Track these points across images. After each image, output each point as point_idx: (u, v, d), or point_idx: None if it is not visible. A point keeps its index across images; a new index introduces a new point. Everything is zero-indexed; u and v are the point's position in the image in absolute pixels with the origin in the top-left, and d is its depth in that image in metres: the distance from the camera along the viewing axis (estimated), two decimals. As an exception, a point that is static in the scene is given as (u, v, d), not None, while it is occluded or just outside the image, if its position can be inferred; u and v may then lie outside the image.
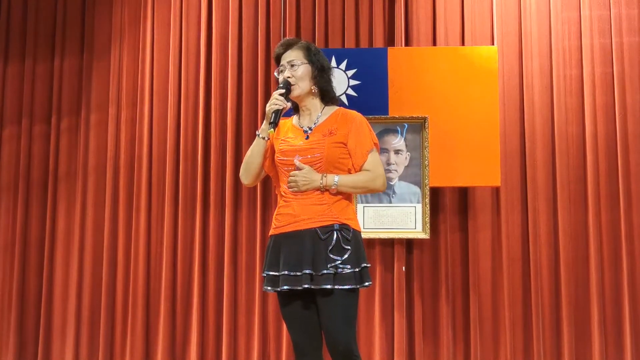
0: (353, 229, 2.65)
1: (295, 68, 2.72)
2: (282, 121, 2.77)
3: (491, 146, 4.23)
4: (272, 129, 2.65)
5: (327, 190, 2.63)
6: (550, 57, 4.49)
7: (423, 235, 4.32)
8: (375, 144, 2.72)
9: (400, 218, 4.33)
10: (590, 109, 4.43)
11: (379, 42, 4.57)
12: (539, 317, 4.32)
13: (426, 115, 4.29)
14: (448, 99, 4.29)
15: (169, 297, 4.57)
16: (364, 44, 4.60)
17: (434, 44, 4.56)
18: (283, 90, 2.67)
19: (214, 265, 4.59)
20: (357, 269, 2.59)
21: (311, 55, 2.75)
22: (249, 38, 4.72)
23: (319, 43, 4.60)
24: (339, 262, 2.56)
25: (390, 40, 4.62)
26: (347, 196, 2.70)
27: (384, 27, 4.60)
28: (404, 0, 4.59)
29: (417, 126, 4.31)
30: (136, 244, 4.66)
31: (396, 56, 4.34)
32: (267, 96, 4.66)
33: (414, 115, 4.30)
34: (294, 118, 2.82)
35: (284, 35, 4.64)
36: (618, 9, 4.49)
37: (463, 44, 4.53)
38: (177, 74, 4.76)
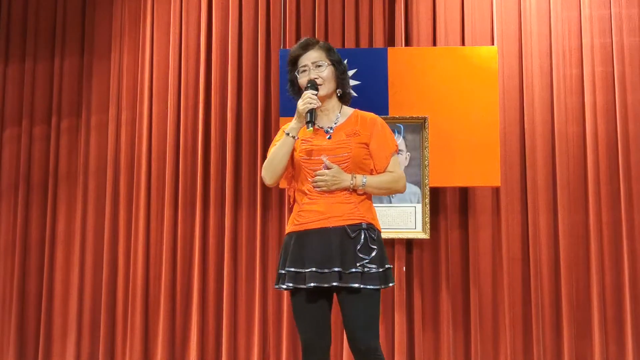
0: (377, 229, 2.68)
1: (322, 69, 2.73)
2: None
3: (491, 146, 4.23)
4: (310, 128, 2.65)
5: (354, 190, 2.65)
6: (550, 57, 4.49)
7: (423, 235, 4.31)
8: (396, 146, 2.77)
9: (400, 218, 4.32)
10: (590, 108, 4.43)
11: (379, 42, 4.57)
12: (539, 317, 4.32)
13: (426, 115, 4.29)
14: (448, 99, 4.29)
15: (168, 297, 4.57)
16: (364, 44, 4.60)
17: (434, 44, 4.55)
18: (316, 91, 2.67)
19: (214, 265, 4.59)
20: (381, 269, 2.60)
21: (332, 55, 2.77)
22: (249, 38, 4.72)
23: (318, 43, 4.60)
24: (367, 261, 2.58)
25: (390, 40, 4.62)
26: (369, 196, 2.73)
27: (384, 27, 4.60)
28: (404, 0, 4.59)
29: (417, 126, 4.31)
30: (136, 244, 4.66)
31: (396, 56, 4.34)
32: (267, 96, 4.66)
33: (414, 116, 4.29)
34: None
35: (284, 35, 4.64)
36: (618, 8, 4.48)
37: (463, 44, 4.53)
38: (177, 74, 4.76)
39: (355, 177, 2.64)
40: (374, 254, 2.59)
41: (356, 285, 2.55)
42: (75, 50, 4.95)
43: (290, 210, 2.81)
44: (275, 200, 4.58)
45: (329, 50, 2.78)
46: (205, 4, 4.77)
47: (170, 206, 4.65)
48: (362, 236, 2.60)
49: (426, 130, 4.28)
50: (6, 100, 4.97)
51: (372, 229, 2.65)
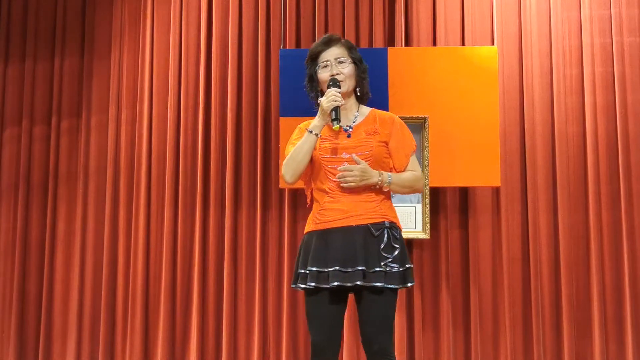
0: (399, 228, 2.68)
1: (345, 65, 2.72)
2: (308, 120, 2.76)
3: (491, 146, 4.23)
4: (337, 125, 2.62)
5: (380, 187, 2.64)
6: (551, 57, 4.49)
7: (423, 235, 4.31)
8: (415, 145, 2.76)
9: (400, 218, 4.27)
10: (590, 108, 4.43)
11: (379, 42, 4.57)
12: (539, 317, 4.32)
13: (426, 115, 4.29)
14: (448, 99, 4.29)
15: (168, 297, 4.57)
16: (364, 44, 4.59)
17: (434, 44, 4.55)
18: (339, 89, 2.66)
19: (214, 265, 4.59)
20: (402, 269, 2.58)
21: (353, 54, 2.76)
22: (249, 38, 4.72)
23: (319, 43, 4.60)
24: (390, 260, 2.56)
25: (390, 40, 4.62)
26: (389, 196, 2.71)
27: (384, 27, 4.60)
28: (404, 0, 4.59)
29: (417, 126, 4.31)
30: (136, 244, 4.66)
31: (396, 56, 4.34)
32: (267, 96, 4.66)
33: (414, 115, 4.29)
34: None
35: (284, 35, 4.64)
36: (618, 8, 4.48)
37: (463, 44, 4.53)
38: (177, 74, 4.76)
39: (382, 174, 2.62)
40: (396, 252, 2.57)
41: (379, 284, 2.52)
42: (75, 50, 4.95)
43: (308, 210, 2.79)
44: (275, 200, 4.58)
45: (350, 48, 2.76)
46: (205, 4, 4.77)
47: (170, 206, 4.65)
48: (386, 235, 2.58)
49: (426, 130, 4.28)
50: (6, 100, 4.97)
51: (394, 227, 2.63)
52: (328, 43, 2.75)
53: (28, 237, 4.83)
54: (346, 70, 2.71)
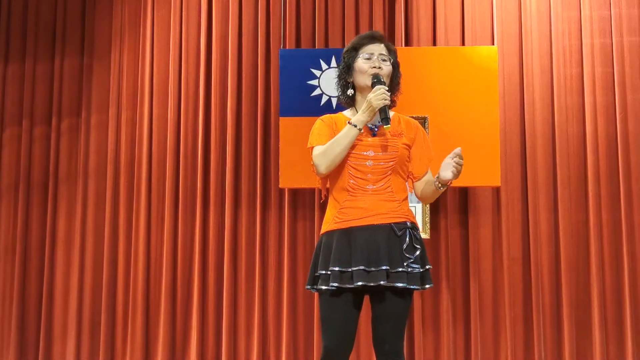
0: (419, 229, 2.66)
1: (387, 63, 2.68)
2: (336, 115, 2.72)
3: (491, 146, 4.23)
4: (387, 125, 2.57)
5: (443, 186, 2.63)
6: (551, 57, 4.49)
7: (423, 235, 4.30)
8: (433, 156, 2.76)
9: (401, 218, 4.32)
10: (590, 108, 4.43)
11: (379, 42, 4.57)
12: (539, 317, 4.32)
13: (426, 115, 4.29)
14: (448, 99, 4.29)
15: (169, 298, 4.57)
16: (364, 44, 4.59)
17: (434, 44, 4.55)
18: (387, 87, 2.62)
19: (214, 265, 4.59)
20: (422, 270, 2.56)
21: (393, 57, 2.73)
22: (249, 38, 4.72)
23: (319, 43, 4.61)
24: (412, 260, 2.53)
25: (390, 40, 4.59)
26: (407, 197, 2.67)
27: (384, 27, 4.60)
28: (404, 0, 4.59)
29: (417, 126, 4.31)
30: (136, 245, 4.66)
31: (396, 56, 4.34)
32: (267, 96, 4.66)
33: (414, 115, 4.28)
34: (348, 113, 2.74)
35: (284, 35, 4.64)
36: (618, 8, 4.48)
37: (463, 44, 4.53)
38: (177, 75, 4.76)
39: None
40: (417, 253, 2.55)
41: (401, 285, 2.49)
42: (75, 50, 4.95)
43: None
44: (275, 200, 4.58)
45: (392, 51, 2.74)
46: (205, 4, 4.77)
47: (170, 206, 4.65)
48: (408, 235, 2.55)
49: (426, 130, 4.28)
50: (6, 100, 4.97)
51: (416, 228, 2.60)
52: (373, 39, 2.71)
53: (28, 237, 4.82)
54: (386, 68, 2.67)
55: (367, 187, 2.59)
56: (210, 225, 4.62)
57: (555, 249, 4.39)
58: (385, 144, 2.63)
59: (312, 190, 4.47)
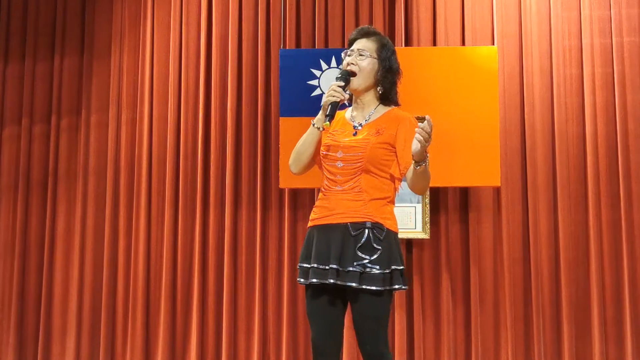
0: (387, 228, 2.58)
1: (363, 58, 2.64)
2: (338, 112, 2.68)
3: (491, 146, 4.23)
4: (327, 122, 2.56)
5: (421, 160, 2.52)
6: (551, 57, 4.49)
7: (423, 235, 4.31)
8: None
9: (400, 218, 4.28)
10: (590, 108, 4.43)
11: (379, 42, 4.57)
12: (539, 317, 4.32)
13: (426, 115, 4.27)
14: (448, 99, 4.28)
15: (169, 297, 4.57)
16: (364, 44, 4.59)
17: (434, 44, 4.55)
18: (342, 83, 2.59)
19: (214, 265, 4.59)
20: (387, 271, 2.52)
21: (384, 52, 2.67)
22: (249, 38, 4.72)
23: (319, 43, 4.61)
24: (367, 261, 2.51)
25: (390, 41, 4.61)
26: (389, 196, 2.63)
27: (384, 27, 4.60)
28: (404, 0, 4.59)
29: (417, 126, 4.31)
30: (136, 244, 4.66)
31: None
32: (267, 96, 4.66)
33: (414, 115, 4.28)
34: (348, 111, 2.74)
35: (284, 35, 4.64)
36: (618, 8, 4.48)
37: (463, 44, 4.53)
38: (177, 74, 4.76)
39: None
40: (377, 255, 2.52)
41: (354, 284, 2.49)
42: (75, 50, 4.95)
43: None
44: (275, 201, 4.58)
45: (382, 46, 2.68)
46: (205, 4, 4.77)
47: (170, 206, 4.65)
48: (365, 235, 2.53)
49: (426, 130, 4.27)
50: (6, 99, 4.97)
51: (378, 228, 2.55)
52: (362, 34, 2.71)
53: (27, 236, 4.83)
54: (363, 63, 2.63)
55: (336, 187, 2.61)
56: (210, 225, 4.62)
57: (555, 249, 4.39)
58: (356, 145, 2.60)
59: (312, 191, 4.48)
